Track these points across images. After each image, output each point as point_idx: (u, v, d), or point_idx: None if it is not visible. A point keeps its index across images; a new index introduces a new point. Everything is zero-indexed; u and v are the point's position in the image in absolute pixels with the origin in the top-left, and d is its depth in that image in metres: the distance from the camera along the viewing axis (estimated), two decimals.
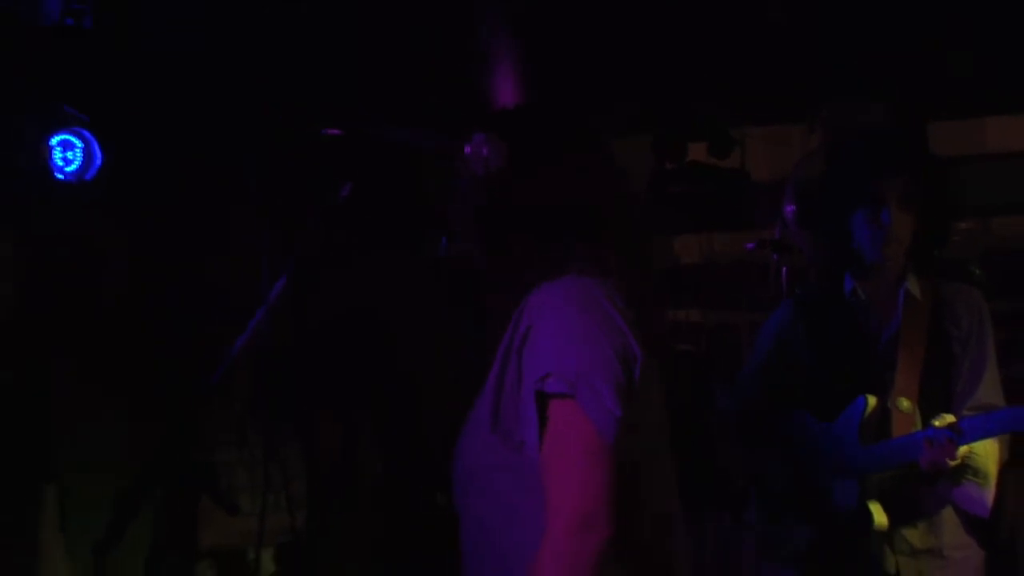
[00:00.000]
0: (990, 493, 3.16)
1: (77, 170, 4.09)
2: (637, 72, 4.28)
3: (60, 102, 4.09)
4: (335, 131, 2.56)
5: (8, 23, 3.97)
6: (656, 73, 4.41)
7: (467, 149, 2.27)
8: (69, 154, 4.08)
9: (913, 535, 3.19)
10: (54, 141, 4.05)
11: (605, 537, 1.99)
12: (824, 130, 4.58)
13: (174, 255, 4.37)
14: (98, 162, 4.12)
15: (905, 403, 3.20)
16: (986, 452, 3.12)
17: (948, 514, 3.21)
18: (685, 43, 4.32)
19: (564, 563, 1.99)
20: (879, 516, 3.15)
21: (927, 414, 3.17)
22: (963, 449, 3.03)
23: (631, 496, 2.07)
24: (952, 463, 3.03)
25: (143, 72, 4.21)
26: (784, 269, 4.57)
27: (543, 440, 2.07)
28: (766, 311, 3.85)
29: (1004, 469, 3.25)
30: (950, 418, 3.07)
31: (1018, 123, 4.94)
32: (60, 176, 4.07)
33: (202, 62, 4.31)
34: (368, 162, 2.66)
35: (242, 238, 4.39)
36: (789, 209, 4.42)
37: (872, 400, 3.20)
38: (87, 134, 4.11)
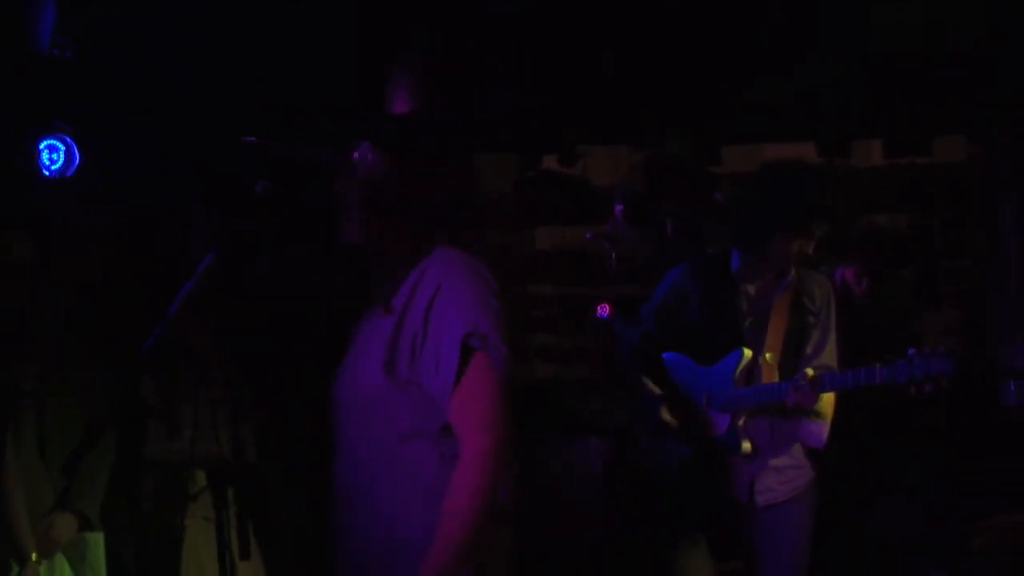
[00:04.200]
0: (826, 428, 3.59)
1: (60, 168, 4.36)
2: (510, 103, 4.61)
3: (47, 114, 4.34)
4: (251, 139, 2.71)
5: (7, 52, 4.18)
6: (523, 105, 4.73)
7: (355, 155, 2.43)
8: (54, 155, 4.35)
9: (770, 457, 3.63)
10: (42, 145, 4.33)
11: (505, 455, 2.24)
12: (643, 150, 5.06)
13: (142, 234, 4.43)
14: (77, 161, 4.39)
15: (770, 357, 3.60)
16: (827, 398, 3.55)
17: (795, 443, 3.66)
18: (545, 85, 4.66)
19: (484, 478, 2.21)
20: (746, 443, 3.58)
21: (783, 367, 3.59)
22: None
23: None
24: (811, 406, 3.45)
25: (111, 89, 4.44)
26: (613, 254, 5.03)
27: (459, 383, 2.24)
28: (602, 285, 4.43)
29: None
30: (811, 372, 3.45)
31: (790, 149, 5.18)
32: (47, 173, 4.33)
33: (154, 82, 4.45)
34: (285, 164, 2.79)
35: (193, 222, 4.39)
36: (619, 209, 4.89)
37: (748, 352, 3.59)
38: (68, 139, 4.37)
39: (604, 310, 5.84)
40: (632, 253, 4.87)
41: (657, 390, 3.75)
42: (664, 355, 3.78)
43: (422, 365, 2.30)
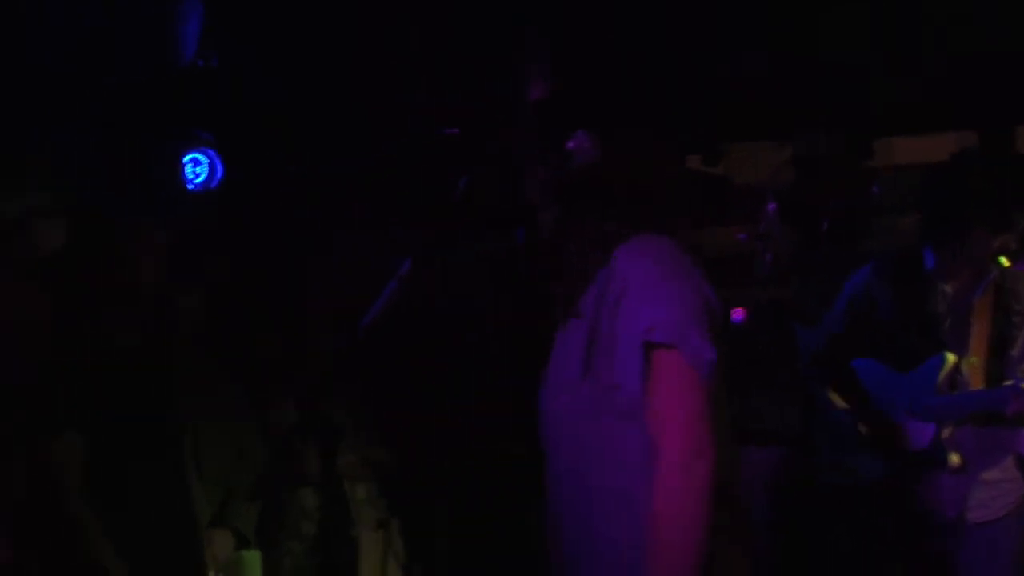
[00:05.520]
0: None
1: (204, 181, 4.39)
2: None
3: (191, 127, 4.34)
4: (453, 131, 2.74)
5: (153, 64, 4.15)
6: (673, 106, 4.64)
7: (570, 144, 2.30)
8: (198, 169, 4.37)
9: (980, 470, 3.41)
10: (186, 159, 4.35)
11: (712, 459, 2.02)
12: (790, 147, 4.87)
13: (285, 250, 4.50)
14: (219, 175, 4.39)
15: (975, 360, 3.41)
16: None
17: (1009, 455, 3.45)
18: (693, 89, 4.52)
19: (687, 486, 2.00)
20: (954, 456, 3.38)
21: (990, 371, 3.40)
22: None
23: (716, 425, 2.09)
24: None
25: (259, 99, 4.42)
26: (768, 255, 4.62)
27: (649, 385, 2.07)
28: (749, 287, 4.23)
29: None
30: None
31: (951, 137, 4.96)
32: (190, 187, 4.35)
33: (304, 90, 4.44)
34: (462, 163, 2.78)
35: (343, 239, 4.54)
36: (771, 207, 4.58)
37: (951, 357, 3.39)
38: (211, 152, 4.37)
39: (738, 314, 5.66)
40: (787, 252, 4.52)
41: (843, 403, 3.56)
42: (854, 362, 3.57)
43: (618, 368, 2.12)
